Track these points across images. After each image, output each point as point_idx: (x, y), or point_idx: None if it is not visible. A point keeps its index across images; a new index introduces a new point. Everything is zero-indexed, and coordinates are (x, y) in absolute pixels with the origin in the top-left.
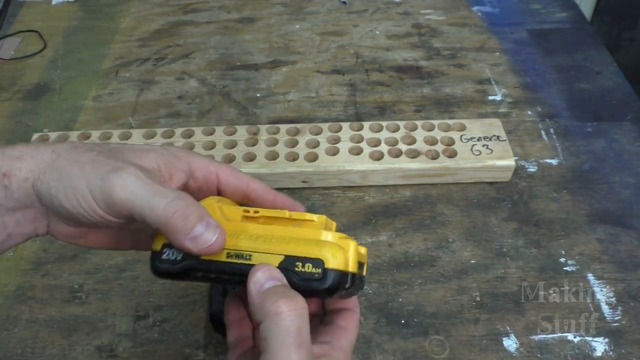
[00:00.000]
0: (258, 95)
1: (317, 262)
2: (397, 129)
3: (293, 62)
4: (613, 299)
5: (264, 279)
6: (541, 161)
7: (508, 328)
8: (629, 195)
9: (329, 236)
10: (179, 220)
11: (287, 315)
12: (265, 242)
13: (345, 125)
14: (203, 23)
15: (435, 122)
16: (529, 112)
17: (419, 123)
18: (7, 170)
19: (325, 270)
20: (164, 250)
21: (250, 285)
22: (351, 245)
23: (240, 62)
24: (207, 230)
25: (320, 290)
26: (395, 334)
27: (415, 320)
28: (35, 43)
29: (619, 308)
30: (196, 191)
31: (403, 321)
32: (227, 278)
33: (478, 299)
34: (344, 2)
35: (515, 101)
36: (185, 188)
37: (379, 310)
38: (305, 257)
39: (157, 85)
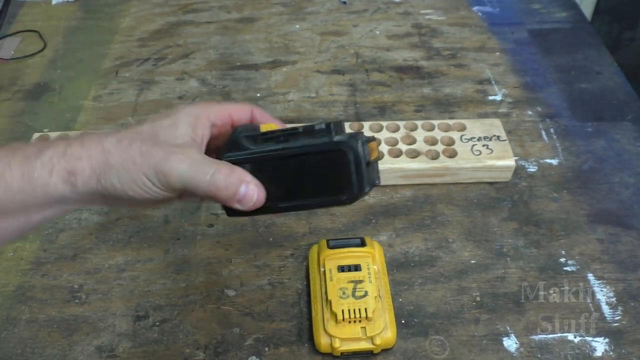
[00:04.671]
0: (258, 95)
1: None
2: (397, 129)
3: (293, 62)
4: (613, 299)
5: None
6: (541, 161)
7: (508, 328)
8: (629, 195)
9: None
10: (223, 191)
11: None
12: None
13: (345, 126)
14: (203, 23)
15: (435, 122)
16: (529, 112)
17: (419, 123)
18: (72, 169)
19: None
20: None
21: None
22: None
23: (240, 62)
24: (248, 190)
25: None
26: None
27: (416, 320)
28: (35, 43)
29: (619, 308)
30: (217, 135)
31: (403, 321)
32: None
33: (478, 299)
34: (344, 2)
35: (515, 101)
36: (211, 138)
37: None
38: None
39: (157, 85)
